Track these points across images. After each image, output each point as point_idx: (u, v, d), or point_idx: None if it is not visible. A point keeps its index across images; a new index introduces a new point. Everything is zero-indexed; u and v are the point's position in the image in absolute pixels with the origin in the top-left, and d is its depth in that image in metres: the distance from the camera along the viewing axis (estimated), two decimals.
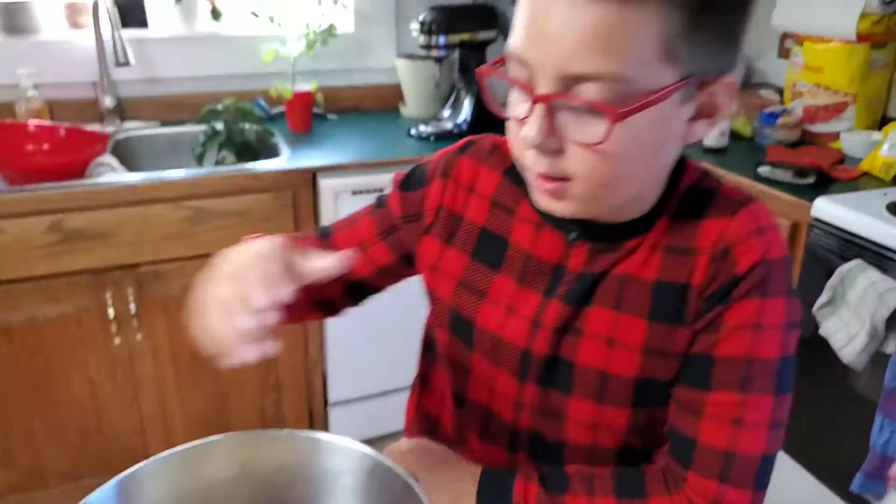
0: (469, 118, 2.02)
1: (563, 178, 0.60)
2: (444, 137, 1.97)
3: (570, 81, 0.55)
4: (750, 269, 0.62)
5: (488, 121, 2.06)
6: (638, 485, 0.67)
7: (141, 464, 0.57)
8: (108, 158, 1.73)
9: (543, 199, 0.64)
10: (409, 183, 0.79)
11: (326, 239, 0.82)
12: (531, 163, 0.61)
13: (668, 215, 0.67)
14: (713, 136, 1.85)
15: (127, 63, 1.85)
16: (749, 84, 2.27)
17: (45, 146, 1.67)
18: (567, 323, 0.69)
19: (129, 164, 1.81)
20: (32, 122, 1.75)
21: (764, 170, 1.66)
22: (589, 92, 0.54)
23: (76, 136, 1.71)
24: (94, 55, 1.94)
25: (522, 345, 0.71)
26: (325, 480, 0.62)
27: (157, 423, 1.77)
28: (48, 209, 1.51)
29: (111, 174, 1.68)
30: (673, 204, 0.67)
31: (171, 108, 2.07)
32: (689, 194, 0.67)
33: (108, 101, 1.98)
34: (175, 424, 1.78)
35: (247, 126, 1.89)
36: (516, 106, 0.61)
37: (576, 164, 0.58)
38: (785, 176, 1.63)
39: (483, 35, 2.00)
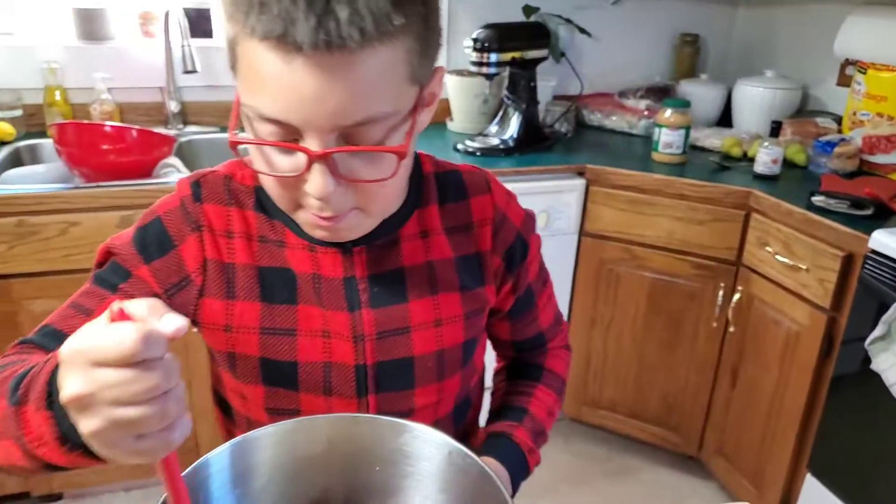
0: (516, 134, 2.04)
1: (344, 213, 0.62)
2: (490, 153, 2.00)
3: (344, 131, 0.57)
4: (522, 221, 0.80)
5: (535, 136, 2.08)
6: (540, 373, 0.88)
7: (250, 433, 0.62)
8: (173, 160, 1.81)
9: (323, 233, 0.65)
10: (150, 252, 0.69)
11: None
12: (315, 209, 0.61)
13: (436, 203, 0.76)
14: (765, 162, 1.84)
15: (194, 70, 1.94)
16: (805, 111, 2.23)
17: (119, 146, 1.77)
18: (386, 326, 0.72)
19: (191, 166, 1.89)
20: (108, 124, 1.84)
21: (818, 199, 1.64)
22: (366, 136, 0.57)
23: (146, 138, 1.80)
24: (163, 62, 2.04)
25: (353, 362, 0.73)
26: (405, 463, 0.65)
27: (206, 409, 1.82)
28: (119, 205, 1.61)
29: (176, 174, 1.76)
30: (432, 192, 0.76)
31: (229, 114, 2.15)
32: (438, 180, 0.77)
33: (173, 106, 2.08)
34: None
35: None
36: (272, 160, 0.60)
37: (364, 199, 0.62)
38: (840, 206, 1.60)
39: (534, 53, 2.02)
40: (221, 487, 0.61)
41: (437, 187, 0.77)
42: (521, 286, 0.83)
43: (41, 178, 1.80)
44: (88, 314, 0.66)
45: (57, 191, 1.59)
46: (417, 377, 0.75)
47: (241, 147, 0.60)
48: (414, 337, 0.74)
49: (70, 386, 0.43)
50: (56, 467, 0.54)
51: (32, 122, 2.00)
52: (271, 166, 0.60)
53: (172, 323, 0.44)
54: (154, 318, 0.43)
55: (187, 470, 0.57)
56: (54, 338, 0.65)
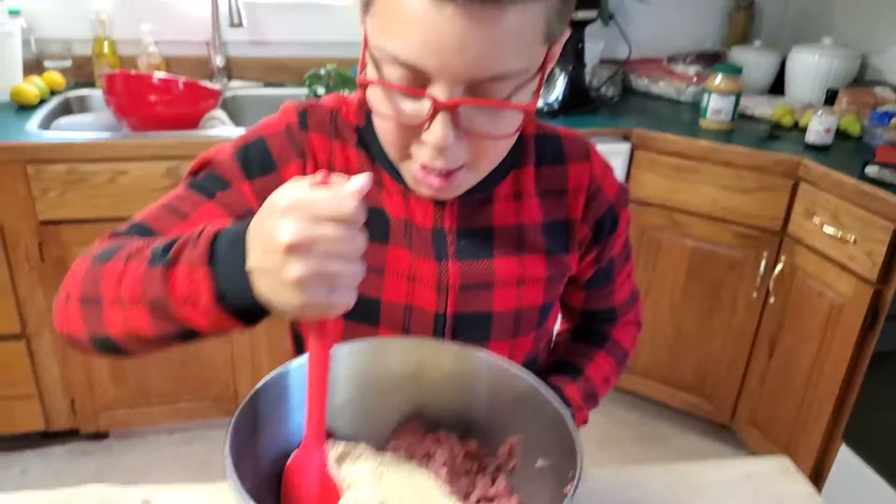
0: (561, 97, 2.02)
1: (455, 168, 0.62)
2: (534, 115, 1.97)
3: (474, 84, 0.56)
4: (616, 194, 0.79)
5: (581, 99, 2.05)
6: (604, 340, 0.88)
7: (334, 346, 0.62)
8: (219, 113, 1.83)
9: (428, 191, 0.65)
10: (253, 168, 0.70)
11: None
12: (426, 159, 0.61)
13: (532, 165, 0.75)
14: (818, 132, 1.79)
15: (240, 24, 1.94)
16: (863, 81, 2.16)
17: (166, 98, 1.79)
18: (470, 279, 0.73)
19: (236, 120, 1.91)
20: (156, 75, 1.87)
21: (872, 170, 1.59)
22: (494, 91, 0.57)
23: (193, 90, 1.82)
24: (209, 15, 2.05)
25: (433, 310, 0.73)
26: (483, 394, 0.66)
27: (245, 360, 1.89)
28: (165, 155, 1.64)
29: (222, 127, 1.79)
30: (530, 153, 0.75)
31: (274, 71, 2.16)
32: (538, 142, 0.76)
33: (218, 60, 2.09)
34: (262, 364, 1.90)
35: (346, 92, 1.95)
36: (394, 105, 0.60)
37: (476, 155, 0.62)
38: (895, 178, 1.56)
39: (582, 14, 1.98)
40: (302, 398, 0.62)
41: (536, 149, 0.76)
42: (603, 259, 0.82)
43: (90, 126, 1.84)
44: (183, 217, 0.68)
45: (106, 139, 1.63)
46: (493, 332, 0.76)
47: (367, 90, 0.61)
48: (496, 293, 0.74)
49: (288, 232, 0.46)
50: (186, 334, 0.56)
51: (81, 72, 2.03)
52: (393, 110, 0.60)
53: (359, 183, 0.49)
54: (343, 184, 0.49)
55: (267, 378, 0.59)
56: (147, 234, 0.66)
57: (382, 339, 0.68)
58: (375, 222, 0.71)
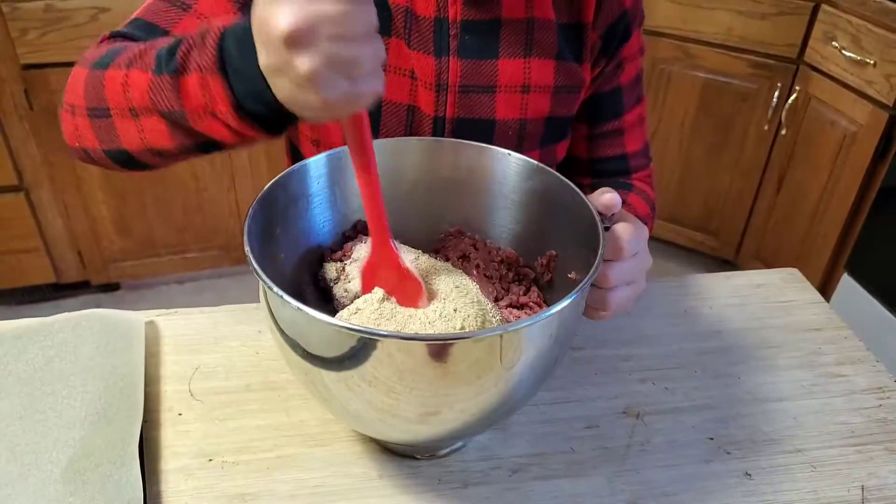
0: None
1: None
2: None
3: None
4: (634, 3, 0.73)
5: None
6: (630, 186, 0.82)
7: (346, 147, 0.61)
8: None
9: None
10: None
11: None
12: None
13: None
14: None
15: None
16: None
17: None
18: (472, 79, 0.69)
19: None
20: None
21: None
22: None
23: None
24: None
25: (432, 112, 0.70)
26: (485, 178, 0.66)
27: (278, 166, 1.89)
28: None
29: None
30: None
31: None
32: None
33: None
34: None
35: None
36: None
37: None
38: None
39: None
40: (321, 188, 0.62)
41: None
42: (610, 79, 0.76)
43: None
44: (187, 8, 0.63)
45: None
46: (495, 142, 0.72)
47: None
48: (498, 98, 0.70)
49: (284, 19, 0.39)
50: (207, 145, 0.52)
51: None
52: None
53: None
54: None
55: (286, 171, 0.58)
56: (148, 31, 0.61)
57: (398, 140, 0.66)
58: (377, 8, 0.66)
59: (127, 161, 0.58)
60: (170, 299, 1.99)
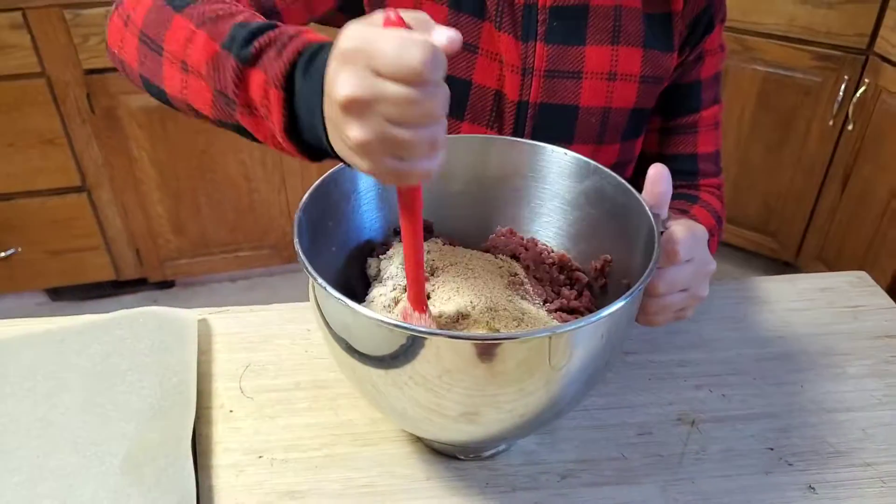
0: None
1: None
2: None
3: None
4: None
5: None
6: (694, 198, 0.79)
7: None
8: None
9: None
10: None
11: None
12: None
13: None
14: None
15: None
16: None
17: None
18: (558, 64, 0.67)
19: None
20: None
21: None
22: None
23: None
24: None
25: (516, 97, 0.69)
26: (539, 177, 0.64)
27: None
28: None
29: None
30: None
31: None
32: None
33: None
34: None
35: None
36: None
37: None
38: None
39: None
40: (371, 184, 0.61)
41: None
42: (690, 71, 0.75)
43: None
44: None
45: None
46: (577, 130, 0.71)
47: None
48: (584, 84, 0.69)
49: (346, 87, 0.38)
50: (242, 131, 0.51)
51: None
52: None
53: (445, 34, 0.38)
54: (427, 32, 0.38)
55: (338, 166, 0.57)
56: None
57: (481, 137, 0.65)
58: None
59: (159, 95, 0.56)
60: (222, 296, 2.03)
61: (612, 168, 0.70)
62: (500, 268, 0.61)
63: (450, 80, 0.65)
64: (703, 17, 0.72)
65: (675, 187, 0.79)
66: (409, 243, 0.49)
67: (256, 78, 0.46)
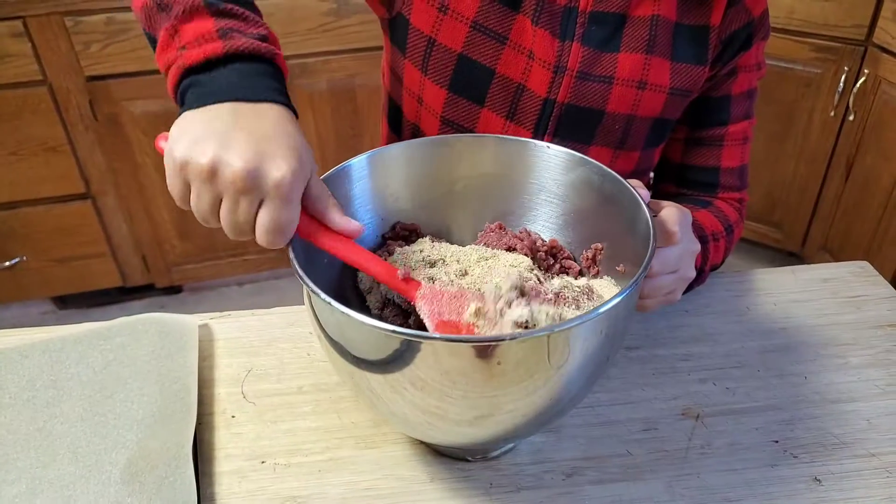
0: None
1: None
2: None
3: None
4: (762, 13, 0.72)
5: None
6: (707, 204, 0.78)
7: (388, 146, 0.63)
8: None
9: None
10: None
11: None
12: None
13: None
14: None
15: None
16: None
17: None
18: (591, 67, 0.67)
19: None
20: None
21: None
22: None
23: None
24: None
25: (544, 94, 0.69)
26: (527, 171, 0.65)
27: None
28: None
29: None
30: None
31: None
32: None
33: None
34: None
35: None
36: None
37: None
38: None
39: None
40: (363, 190, 0.62)
41: None
42: (721, 85, 0.74)
43: None
44: None
45: None
46: (599, 133, 0.71)
47: None
48: (614, 90, 0.69)
49: (179, 145, 0.46)
50: (151, 39, 0.57)
51: None
52: None
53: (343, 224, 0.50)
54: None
55: (330, 171, 0.58)
56: None
57: (436, 138, 0.65)
58: None
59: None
60: (230, 301, 2.03)
61: (631, 175, 0.70)
62: (497, 256, 0.61)
63: (474, 65, 0.68)
64: (741, 33, 0.71)
65: (690, 196, 0.80)
66: (344, 256, 0.51)
67: (208, 25, 0.51)
